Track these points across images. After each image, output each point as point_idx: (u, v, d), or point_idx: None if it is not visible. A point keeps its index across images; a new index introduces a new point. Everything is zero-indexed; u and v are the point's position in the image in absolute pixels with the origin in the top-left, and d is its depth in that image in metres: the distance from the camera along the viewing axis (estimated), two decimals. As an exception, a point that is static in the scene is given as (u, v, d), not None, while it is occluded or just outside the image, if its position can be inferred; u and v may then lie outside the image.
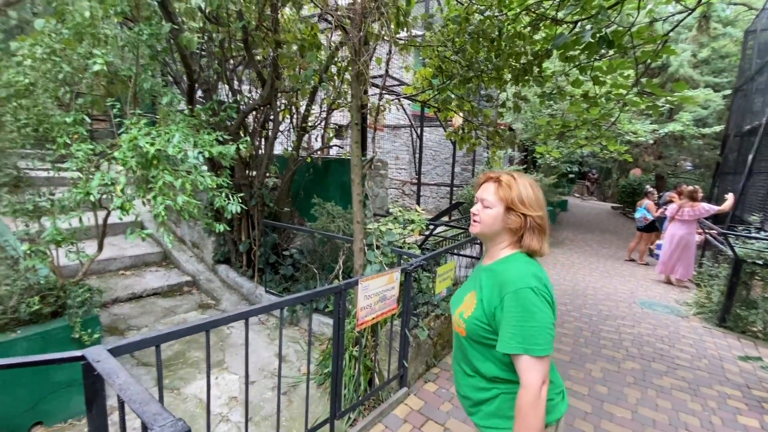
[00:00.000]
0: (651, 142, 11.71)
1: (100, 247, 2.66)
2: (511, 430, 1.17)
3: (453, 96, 5.37)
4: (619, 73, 3.54)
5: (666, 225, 6.48)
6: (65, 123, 2.05)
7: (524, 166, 11.98)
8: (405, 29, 4.13)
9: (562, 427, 1.30)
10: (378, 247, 3.31)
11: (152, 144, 1.98)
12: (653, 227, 7.66)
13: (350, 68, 2.93)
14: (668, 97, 3.48)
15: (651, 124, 10.44)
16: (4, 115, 2.02)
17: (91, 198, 1.86)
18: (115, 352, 1.32)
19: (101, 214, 2.62)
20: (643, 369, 3.48)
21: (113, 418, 2.14)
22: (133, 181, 2.11)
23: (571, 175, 18.04)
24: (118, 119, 2.24)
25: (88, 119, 2.15)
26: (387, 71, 3.42)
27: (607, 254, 8.63)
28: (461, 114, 5.51)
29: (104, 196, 2.17)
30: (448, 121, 6.90)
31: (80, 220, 2.04)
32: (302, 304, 3.42)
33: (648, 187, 8.79)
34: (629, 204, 14.87)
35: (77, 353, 1.27)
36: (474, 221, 1.29)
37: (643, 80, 3.10)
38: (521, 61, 4.47)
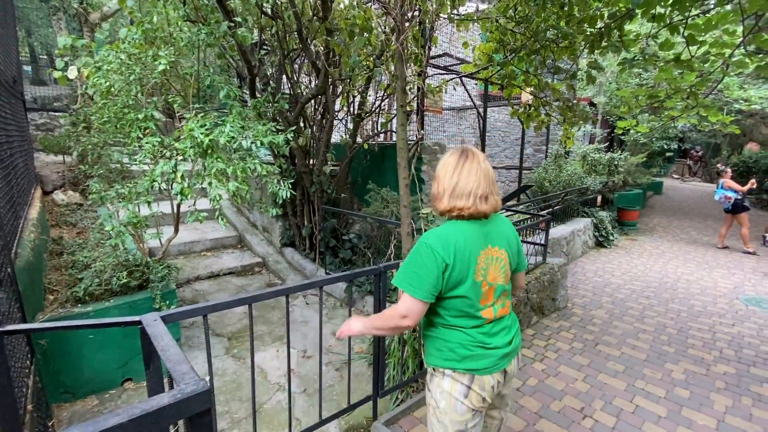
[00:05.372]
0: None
1: (176, 230, 3.02)
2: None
3: (517, 71, 5.00)
4: (723, 29, 2.98)
5: None
6: (137, 119, 2.35)
7: (607, 144, 10.78)
8: (460, 4, 3.92)
9: (485, 385, 1.33)
10: (427, 232, 3.26)
11: (207, 135, 2.16)
12: (743, 207, 6.75)
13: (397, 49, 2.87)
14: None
15: (771, 88, 8.67)
16: (93, 114, 2.39)
17: (155, 185, 2.12)
18: (167, 318, 1.49)
19: (177, 202, 2.95)
20: (738, 374, 2.98)
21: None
22: (192, 169, 2.34)
23: (668, 154, 15.74)
24: (180, 114, 2.50)
25: (157, 115, 2.43)
26: (429, 47, 3.28)
27: (707, 243, 7.48)
28: (527, 90, 5.13)
29: (174, 185, 2.44)
30: (515, 98, 6.43)
31: (149, 204, 2.34)
32: (350, 283, 3.52)
33: (720, 165, 7.73)
34: (742, 185, 12.52)
35: (136, 318, 1.46)
36: None
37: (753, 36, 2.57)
38: (597, 26, 4.00)
